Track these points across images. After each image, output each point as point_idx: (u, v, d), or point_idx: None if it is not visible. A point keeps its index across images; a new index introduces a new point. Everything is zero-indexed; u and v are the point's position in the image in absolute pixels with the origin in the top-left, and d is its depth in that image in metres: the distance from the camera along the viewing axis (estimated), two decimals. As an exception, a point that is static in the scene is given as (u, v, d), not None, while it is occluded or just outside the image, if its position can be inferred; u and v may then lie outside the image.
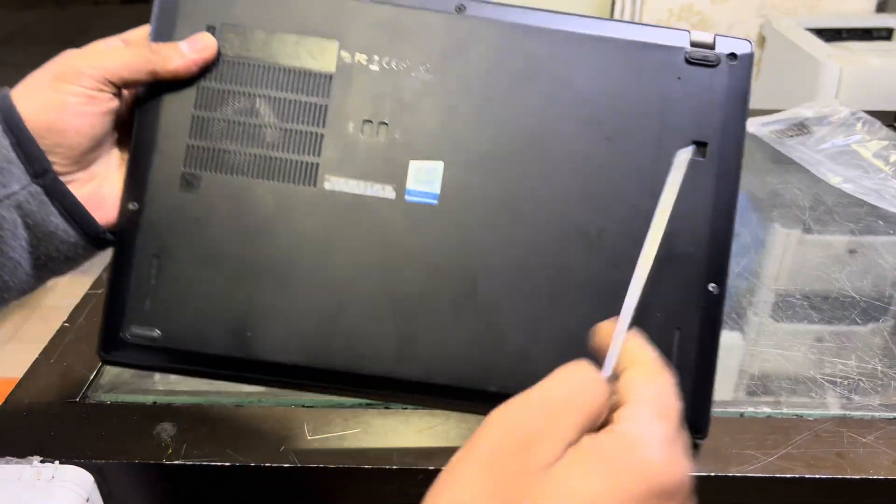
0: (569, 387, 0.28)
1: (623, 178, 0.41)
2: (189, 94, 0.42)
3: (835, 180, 0.80)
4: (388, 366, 0.40)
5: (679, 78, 0.42)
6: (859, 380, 0.51)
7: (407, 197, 0.41)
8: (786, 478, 0.42)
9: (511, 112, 0.42)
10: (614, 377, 0.30)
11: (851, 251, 0.68)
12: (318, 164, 0.41)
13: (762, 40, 1.93)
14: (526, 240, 0.41)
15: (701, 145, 0.41)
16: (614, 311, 0.36)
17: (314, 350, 0.41)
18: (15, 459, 0.42)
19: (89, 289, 0.58)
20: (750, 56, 0.43)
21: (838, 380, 0.51)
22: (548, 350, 0.40)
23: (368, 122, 0.42)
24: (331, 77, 0.42)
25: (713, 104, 0.42)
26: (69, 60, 0.40)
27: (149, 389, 0.49)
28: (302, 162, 0.42)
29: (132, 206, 0.42)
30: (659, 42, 0.42)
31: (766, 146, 0.89)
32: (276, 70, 0.42)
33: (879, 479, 0.42)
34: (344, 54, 0.42)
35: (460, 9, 0.42)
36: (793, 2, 1.89)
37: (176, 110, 0.42)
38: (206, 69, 0.42)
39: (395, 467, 0.43)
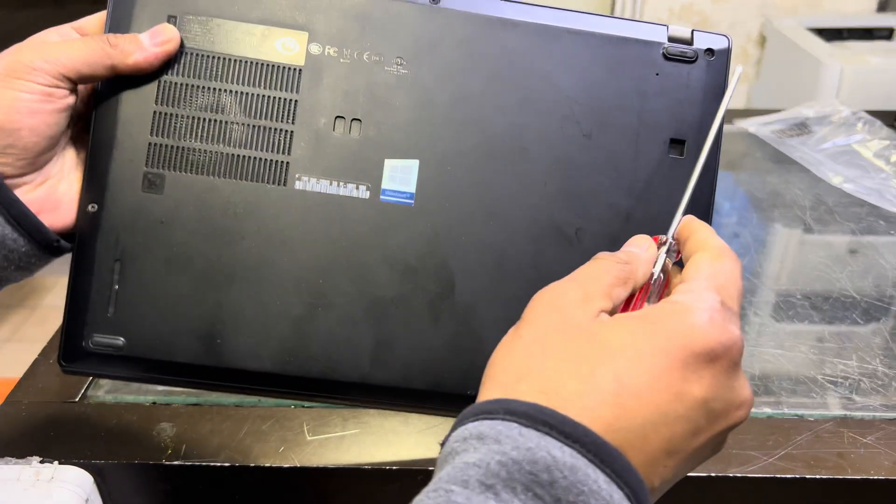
0: (591, 265, 0.31)
1: (601, 176, 0.41)
2: (150, 90, 0.40)
3: (836, 180, 0.80)
4: (364, 371, 0.39)
5: (657, 74, 0.41)
6: (860, 380, 0.51)
7: (382, 197, 0.40)
8: (786, 478, 0.42)
9: (487, 108, 0.41)
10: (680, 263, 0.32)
11: (852, 251, 0.68)
12: (288, 163, 0.40)
13: (763, 40, 1.93)
14: (503, 239, 0.40)
15: (679, 143, 0.41)
16: None
17: (287, 356, 0.39)
18: (14, 460, 0.42)
19: (89, 289, 0.58)
20: (727, 52, 0.42)
21: (839, 380, 0.51)
22: None
23: (341, 118, 0.40)
24: (300, 71, 0.40)
25: (691, 101, 0.41)
26: (20, 55, 0.37)
27: (148, 390, 0.49)
28: (271, 160, 0.40)
29: (91, 207, 0.40)
30: (637, 37, 0.42)
31: (767, 146, 0.89)
32: (242, 63, 0.40)
33: (880, 480, 0.42)
34: (314, 47, 0.40)
35: (436, 10, 0.41)
36: (793, 1, 1.89)
37: (136, 106, 0.40)
38: (168, 63, 0.39)
39: (394, 467, 0.43)
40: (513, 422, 0.25)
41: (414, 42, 0.41)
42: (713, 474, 0.42)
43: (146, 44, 0.39)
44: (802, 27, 1.76)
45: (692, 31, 0.42)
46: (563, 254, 0.40)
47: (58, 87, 0.37)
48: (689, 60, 0.42)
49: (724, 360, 0.27)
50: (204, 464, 0.42)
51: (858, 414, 0.48)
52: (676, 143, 0.41)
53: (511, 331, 0.30)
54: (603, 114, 0.41)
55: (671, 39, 0.42)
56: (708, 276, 0.29)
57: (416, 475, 0.43)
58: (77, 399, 0.47)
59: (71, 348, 0.39)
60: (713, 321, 0.27)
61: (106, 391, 0.48)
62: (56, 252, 0.40)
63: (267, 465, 0.42)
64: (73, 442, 0.44)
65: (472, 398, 0.35)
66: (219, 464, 0.42)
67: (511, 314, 0.38)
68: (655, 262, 0.33)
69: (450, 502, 0.24)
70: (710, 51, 0.42)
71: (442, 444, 0.27)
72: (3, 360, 1.78)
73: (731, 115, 0.96)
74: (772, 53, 1.87)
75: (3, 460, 0.42)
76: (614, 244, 0.37)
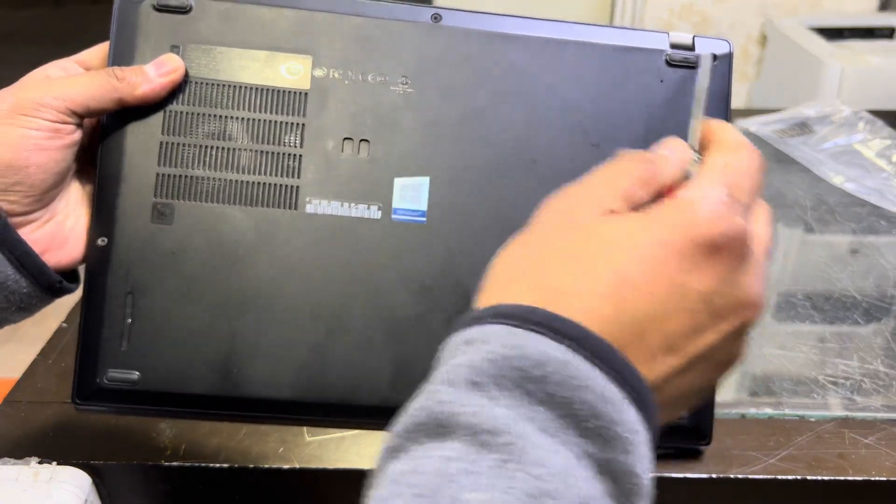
0: (609, 166, 0.29)
1: None
2: (156, 120, 0.40)
3: (837, 180, 0.79)
4: (384, 395, 0.38)
5: (661, 80, 0.42)
6: (861, 381, 0.51)
7: (393, 216, 0.40)
8: (787, 479, 0.42)
9: (494, 122, 0.41)
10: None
11: (853, 251, 0.68)
12: (298, 187, 0.40)
13: (764, 39, 1.93)
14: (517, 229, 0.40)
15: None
16: None
17: (305, 383, 0.39)
18: (13, 460, 0.42)
19: (88, 289, 0.58)
20: (729, 56, 0.42)
21: (840, 381, 0.51)
22: None
23: (349, 139, 0.40)
24: (306, 94, 0.40)
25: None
26: (26, 92, 0.37)
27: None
28: (281, 185, 0.40)
29: (101, 241, 0.39)
30: (639, 45, 0.42)
31: (768, 146, 0.88)
32: (248, 89, 0.40)
33: (881, 481, 0.42)
34: (318, 70, 0.41)
35: (436, 18, 0.41)
36: (794, 1, 1.89)
37: (143, 137, 0.40)
38: (173, 92, 0.39)
39: (394, 468, 0.43)
40: (503, 324, 0.24)
41: (417, 61, 0.41)
42: (714, 475, 0.42)
43: (152, 75, 0.39)
44: (803, 27, 1.75)
45: (693, 36, 0.42)
46: None
47: (65, 122, 0.37)
48: (692, 66, 0.42)
49: (726, 252, 0.26)
50: (203, 465, 0.42)
51: (860, 414, 0.47)
52: None
53: (519, 236, 0.29)
54: (610, 122, 0.41)
55: (673, 46, 0.42)
56: (717, 170, 0.28)
57: (416, 476, 0.43)
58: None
59: (85, 386, 0.39)
60: (716, 213, 0.26)
61: (105, 391, 0.48)
62: (58, 293, 0.39)
63: (266, 466, 0.42)
64: (71, 442, 0.44)
65: None
66: (218, 465, 0.42)
67: None
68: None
69: (436, 402, 0.23)
70: (713, 56, 0.42)
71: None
72: (2, 360, 1.77)
73: (732, 114, 0.96)
74: (773, 53, 1.87)
75: (1, 461, 0.42)
76: None
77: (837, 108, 0.92)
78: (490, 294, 0.27)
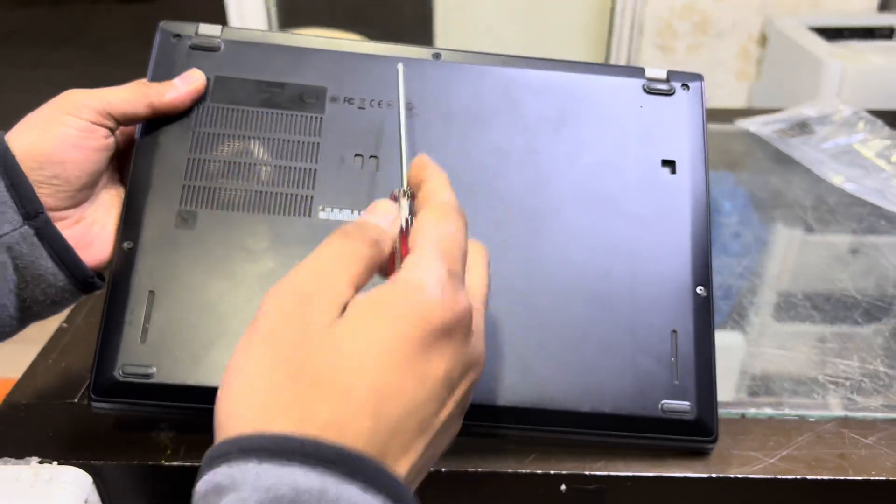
0: (336, 246, 0.29)
1: (598, 189, 0.45)
2: (184, 140, 0.44)
3: (837, 180, 0.80)
4: None
5: (641, 106, 0.47)
6: (861, 381, 0.51)
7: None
8: (787, 479, 0.42)
9: (493, 141, 0.45)
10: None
11: (854, 251, 0.68)
12: (312, 196, 0.43)
13: (764, 39, 1.93)
14: (520, 248, 0.43)
15: (669, 164, 0.46)
16: (606, 306, 0.42)
17: None
18: (13, 460, 0.42)
19: (88, 289, 0.58)
20: (700, 86, 0.48)
21: (840, 381, 0.51)
22: (549, 356, 0.42)
23: (359, 155, 0.44)
24: (321, 118, 0.45)
25: (674, 127, 0.47)
26: (70, 95, 0.41)
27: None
28: (296, 195, 0.43)
29: (127, 245, 0.42)
30: (619, 77, 0.48)
31: (768, 146, 0.89)
32: (270, 115, 0.45)
33: (881, 481, 0.42)
34: (332, 98, 0.45)
35: (437, 56, 0.47)
36: (795, 0, 1.89)
37: (172, 155, 0.43)
38: (202, 116, 0.44)
39: (394, 469, 0.42)
40: (250, 461, 0.23)
41: (421, 90, 0.46)
42: (714, 475, 0.42)
43: (178, 85, 0.44)
44: (804, 26, 1.75)
45: (667, 71, 0.48)
46: (573, 254, 0.44)
47: (102, 124, 0.41)
48: (667, 93, 0.48)
49: (459, 330, 0.28)
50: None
51: (860, 414, 0.47)
52: (667, 163, 0.46)
53: (242, 344, 0.27)
54: (602, 139, 0.46)
55: (649, 79, 0.48)
56: (432, 241, 0.29)
57: (416, 476, 0.43)
58: (76, 399, 0.47)
59: (101, 380, 0.40)
60: (444, 295, 0.27)
61: (105, 391, 0.48)
62: (89, 288, 0.42)
63: (266, 465, 0.42)
64: (71, 442, 0.44)
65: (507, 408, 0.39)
66: (218, 465, 0.42)
67: (539, 320, 0.42)
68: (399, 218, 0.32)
69: None
70: (685, 85, 0.48)
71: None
72: (2, 360, 1.77)
73: (732, 114, 0.96)
74: (773, 53, 1.87)
75: (1, 461, 0.42)
76: (624, 243, 0.43)
77: (837, 108, 0.92)
78: (240, 423, 0.25)
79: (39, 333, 0.55)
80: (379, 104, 0.45)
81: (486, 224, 0.43)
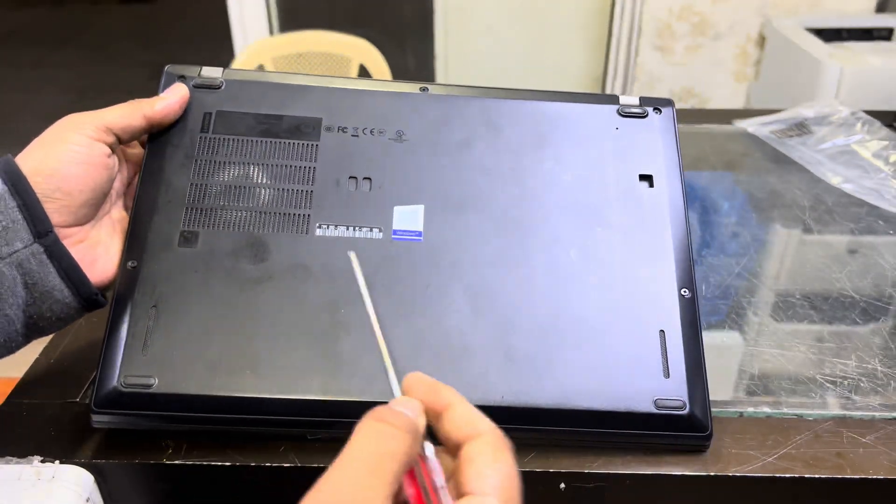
0: (378, 442, 0.27)
1: (582, 202, 0.48)
2: (187, 166, 0.46)
3: (835, 180, 0.80)
4: (380, 390, 0.41)
5: (616, 128, 0.50)
6: (859, 380, 0.51)
7: (393, 236, 0.45)
8: (785, 478, 0.42)
9: (479, 162, 0.48)
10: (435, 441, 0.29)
11: (851, 251, 0.68)
12: (309, 215, 0.45)
13: (762, 40, 1.93)
14: (510, 258, 0.45)
15: (647, 178, 0.49)
16: (586, 301, 0.44)
17: (312, 381, 0.41)
18: (15, 459, 0.42)
19: (89, 288, 0.58)
20: (672, 110, 0.52)
21: (838, 380, 0.51)
22: (544, 358, 0.43)
23: (353, 177, 0.47)
24: (317, 145, 0.48)
25: (649, 145, 0.50)
26: (72, 117, 0.44)
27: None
28: (294, 214, 0.45)
29: (131, 264, 0.44)
30: (594, 104, 0.51)
31: (767, 146, 0.89)
32: (268, 143, 0.47)
33: (879, 479, 0.42)
34: (327, 127, 0.48)
35: (423, 89, 0.51)
36: (793, 1, 1.89)
37: (175, 180, 0.46)
38: (204, 145, 0.47)
39: (395, 467, 0.43)
40: None
41: (411, 118, 0.49)
42: (713, 473, 0.42)
43: (166, 96, 0.47)
44: (802, 27, 1.76)
45: (640, 98, 0.52)
46: (562, 261, 0.46)
47: (102, 140, 0.44)
48: (641, 116, 0.51)
49: None
50: (204, 463, 0.43)
51: (857, 414, 0.48)
52: (645, 177, 0.49)
53: None
54: (581, 159, 0.49)
55: (622, 105, 0.52)
56: (494, 488, 0.27)
57: (416, 475, 0.43)
58: (77, 399, 0.47)
59: (103, 391, 0.41)
60: None
61: (106, 391, 0.49)
62: (93, 306, 0.44)
63: (267, 464, 0.43)
64: (73, 441, 0.44)
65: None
66: (219, 463, 0.43)
67: (532, 325, 0.44)
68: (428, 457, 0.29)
69: None
70: (657, 109, 0.52)
71: None
72: (4, 359, 1.77)
73: (730, 115, 0.96)
74: (771, 54, 1.87)
75: (3, 460, 0.42)
76: (605, 255, 0.45)
77: (836, 109, 0.92)
78: None
79: (41, 333, 0.55)
80: (371, 132, 0.48)
81: (476, 236, 0.46)
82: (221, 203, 0.45)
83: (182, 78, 0.49)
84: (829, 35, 1.72)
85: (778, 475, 0.42)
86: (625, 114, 0.51)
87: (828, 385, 0.51)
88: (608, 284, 0.45)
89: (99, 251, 0.44)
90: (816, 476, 0.42)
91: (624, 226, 0.47)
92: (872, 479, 0.42)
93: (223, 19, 2.04)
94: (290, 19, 2.12)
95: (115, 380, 0.41)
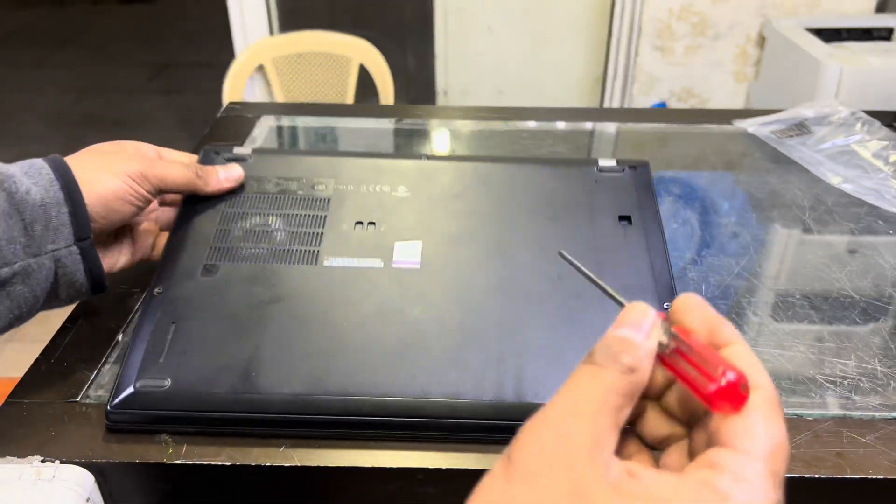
0: (587, 382, 0.25)
1: (568, 241, 0.52)
2: (215, 216, 0.54)
3: (835, 180, 0.80)
4: (380, 405, 0.43)
5: (596, 181, 0.57)
6: (859, 380, 0.51)
7: (393, 265, 0.50)
8: (785, 477, 0.42)
9: (471, 208, 0.54)
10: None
11: (851, 251, 0.68)
12: (318, 251, 0.51)
13: (762, 40, 1.93)
14: (504, 287, 0.49)
15: (626, 218, 0.54)
16: (577, 326, 0.46)
17: (313, 383, 0.44)
18: (15, 459, 0.42)
19: (89, 288, 0.58)
20: (647, 167, 0.58)
21: (838, 380, 0.51)
22: (527, 364, 0.45)
23: (359, 223, 0.53)
24: (329, 199, 0.55)
25: (626, 194, 0.56)
26: (138, 161, 0.50)
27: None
28: (305, 250, 0.51)
29: (157, 291, 0.49)
30: (575, 166, 0.58)
31: (766, 146, 0.89)
32: (286, 197, 0.55)
33: (879, 479, 0.42)
34: (339, 186, 0.56)
35: (426, 157, 0.59)
36: (793, 2, 1.89)
37: (204, 226, 0.53)
38: (231, 201, 0.55)
39: (395, 466, 0.43)
40: None
41: (414, 178, 0.56)
42: (712, 474, 0.42)
43: (221, 177, 0.55)
44: (802, 28, 1.76)
45: (616, 159, 0.59)
46: (550, 288, 0.49)
47: (151, 193, 0.50)
48: (618, 172, 0.58)
49: None
50: (205, 463, 0.43)
51: (857, 414, 0.48)
52: (624, 217, 0.54)
53: (495, 472, 0.24)
54: (564, 205, 0.55)
55: (600, 166, 0.58)
56: (763, 454, 0.24)
57: (416, 474, 0.43)
58: (78, 399, 0.47)
59: (119, 392, 0.44)
60: None
61: (106, 391, 0.49)
62: (99, 292, 0.50)
63: (268, 464, 0.43)
64: (74, 441, 0.44)
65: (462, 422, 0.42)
66: (219, 463, 0.43)
67: (527, 338, 0.46)
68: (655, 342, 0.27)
69: None
70: (633, 167, 0.58)
71: None
72: (4, 359, 1.77)
73: (730, 115, 0.96)
74: (771, 54, 1.87)
75: (4, 460, 0.42)
76: (589, 290, 0.47)
77: (835, 109, 0.92)
78: None
79: (41, 333, 0.55)
80: (377, 189, 0.56)
81: (471, 264, 0.50)
82: (242, 244, 0.52)
83: (217, 154, 0.58)
84: (829, 35, 1.73)
85: (778, 475, 0.42)
86: (603, 169, 0.58)
87: (827, 385, 0.51)
88: (594, 301, 0.48)
89: (110, 262, 0.52)
90: (816, 476, 0.42)
91: (606, 249, 0.52)
92: (872, 479, 0.42)
93: (223, 19, 2.04)
94: (290, 19, 2.12)
95: (133, 383, 0.44)
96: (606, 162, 0.57)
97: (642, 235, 0.52)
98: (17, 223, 0.44)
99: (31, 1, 4.11)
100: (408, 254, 0.51)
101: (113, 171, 0.48)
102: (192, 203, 0.54)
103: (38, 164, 0.46)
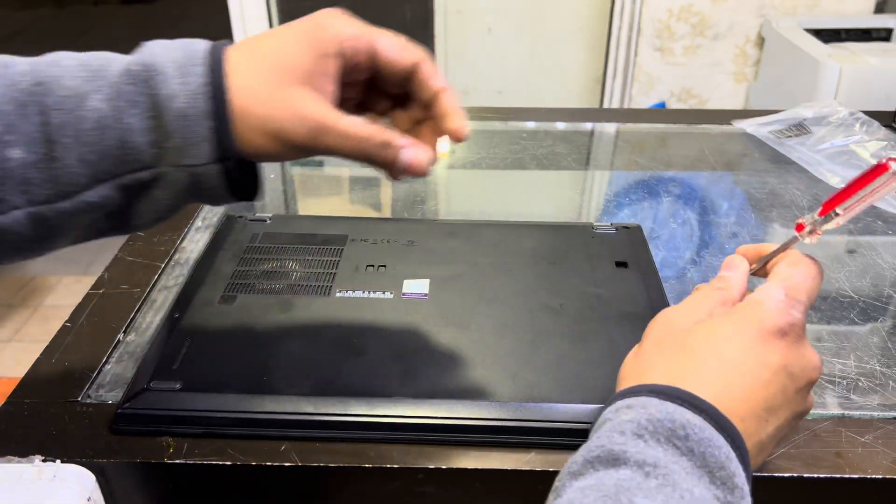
0: (698, 296, 0.40)
1: (567, 280, 0.57)
2: (234, 260, 0.58)
3: (834, 180, 0.80)
4: (387, 405, 0.45)
5: (592, 237, 0.62)
6: (858, 380, 0.51)
7: (403, 296, 0.54)
8: (784, 477, 0.42)
9: (474, 257, 0.59)
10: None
11: (850, 251, 0.69)
12: (331, 286, 0.55)
13: (762, 41, 1.93)
14: (502, 314, 0.53)
15: (622, 264, 0.59)
16: (582, 353, 0.49)
17: (322, 387, 0.46)
18: (16, 458, 0.43)
19: (90, 289, 0.58)
20: (639, 227, 0.64)
21: (837, 379, 0.51)
22: (533, 382, 0.46)
23: (371, 265, 0.58)
24: (342, 249, 0.60)
25: (621, 247, 0.61)
26: (321, 111, 0.40)
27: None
28: (318, 285, 0.55)
29: (176, 314, 0.52)
30: (571, 227, 0.64)
31: (765, 146, 0.89)
32: (302, 248, 0.60)
33: (878, 479, 0.42)
34: (352, 239, 0.61)
35: (437, 222, 0.67)
36: (792, 2, 1.89)
37: (223, 269, 0.57)
38: (250, 247, 0.60)
39: (395, 466, 0.43)
40: (653, 397, 0.34)
41: (420, 233, 0.62)
42: (712, 473, 0.42)
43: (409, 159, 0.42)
44: (801, 28, 1.76)
45: (612, 223, 0.64)
46: (552, 318, 0.52)
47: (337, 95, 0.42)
48: (610, 232, 0.63)
49: (790, 335, 0.37)
50: (205, 462, 0.43)
51: (856, 413, 0.48)
52: (621, 264, 0.59)
53: (635, 348, 0.40)
54: (562, 254, 0.60)
55: (595, 228, 0.63)
56: (780, 278, 0.39)
57: (416, 474, 0.43)
58: (79, 398, 0.47)
59: (132, 391, 0.45)
60: (778, 308, 0.37)
61: (107, 390, 0.49)
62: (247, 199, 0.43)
63: (268, 464, 0.43)
64: (74, 441, 0.44)
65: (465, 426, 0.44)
66: (220, 462, 0.43)
67: (534, 350, 0.49)
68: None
69: (612, 442, 0.32)
70: (626, 227, 0.63)
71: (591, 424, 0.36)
72: (5, 359, 1.77)
73: (729, 115, 0.96)
74: (770, 54, 1.88)
75: (5, 459, 0.43)
76: (589, 315, 0.52)
77: (834, 110, 0.92)
78: (630, 380, 0.37)
79: (42, 333, 0.55)
80: (388, 242, 0.61)
81: (477, 298, 0.54)
82: (259, 280, 0.56)
83: (240, 218, 0.64)
84: (828, 35, 1.73)
85: (777, 475, 0.42)
86: (597, 227, 0.63)
87: (827, 385, 0.51)
88: (597, 331, 0.51)
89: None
90: (815, 476, 0.42)
91: (605, 285, 0.56)
92: (871, 478, 0.42)
93: (223, 19, 2.04)
94: (291, 19, 2.12)
95: (146, 383, 0.45)
96: (601, 225, 0.64)
97: (639, 277, 0.57)
98: (159, 127, 0.38)
99: (33, 2, 4.11)
100: (417, 288, 0.55)
101: (295, 92, 0.40)
102: (213, 250, 0.59)
103: (197, 58, 0.39)
